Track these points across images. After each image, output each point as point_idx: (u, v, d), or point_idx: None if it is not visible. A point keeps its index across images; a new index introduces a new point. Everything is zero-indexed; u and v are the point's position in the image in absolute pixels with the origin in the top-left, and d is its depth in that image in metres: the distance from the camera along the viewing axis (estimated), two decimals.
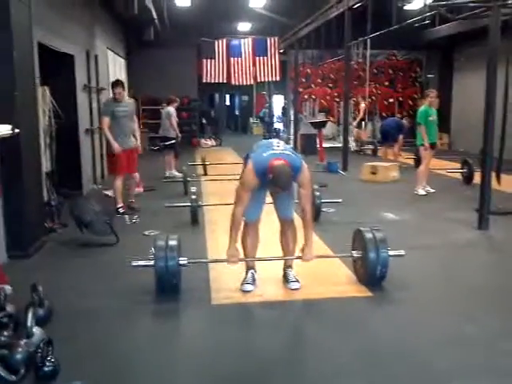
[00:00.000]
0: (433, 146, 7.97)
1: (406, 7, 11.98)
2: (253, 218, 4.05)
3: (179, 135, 10.16)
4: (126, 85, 14.34)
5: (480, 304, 3.88)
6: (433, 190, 8.10)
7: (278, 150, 3.77)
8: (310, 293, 4.03)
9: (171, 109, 10.16)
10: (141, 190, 8.30)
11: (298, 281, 4.14)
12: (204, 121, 19.33)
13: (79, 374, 2.77)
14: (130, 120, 6.80)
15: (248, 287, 4.06)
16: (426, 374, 2.86)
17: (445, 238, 5.66)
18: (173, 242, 3.94)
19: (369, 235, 4.06)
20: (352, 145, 14.25)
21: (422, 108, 7.97)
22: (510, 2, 5.38)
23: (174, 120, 10.07)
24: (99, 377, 2.80)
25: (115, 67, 12.82)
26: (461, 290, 4.15)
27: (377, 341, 3.27)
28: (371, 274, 4.00)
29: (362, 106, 14.29)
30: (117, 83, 6.89)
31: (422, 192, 7.99)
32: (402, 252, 4.13)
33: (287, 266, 4.25)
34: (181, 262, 3.90)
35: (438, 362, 2.96)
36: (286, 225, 4.15)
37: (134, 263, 3.99)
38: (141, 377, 2.89)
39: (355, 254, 4.20)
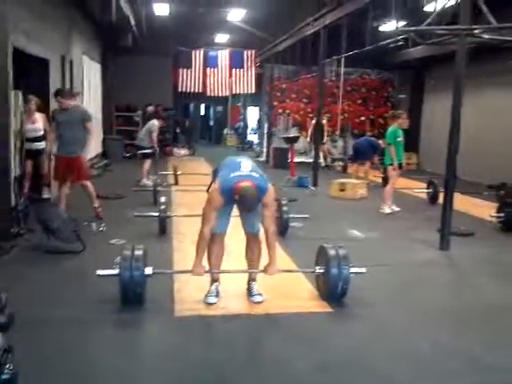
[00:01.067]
0: (400, 166, 8.18)
1: (380, 28, 12.32)
2: (219, 231, 4.11)
3: (157, 149, 10.17)
4: (100, 90, 14.35)
5: (435, 321, 4.01)
6: (398, 209, 8.28)
7: (245, 172, 3.84)
8: (272, 306, 4.10)
9: (156, 123, 10.21)
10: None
11: (261, 294, 4.22)
12: (178, 130, 19.34)
13: (39, 382, 2.78)
14: (73, 128, 6.61)
15: (211, 299, 4.12)
16: None
17: (407, 256, 5.82)
18: (138, 252, 3.98)
19: (332, 252, 4.17)
20: (322, 161, 14.48)
21: (391, 128, 8.16)
22: (475, 31, 5.59)
23: (155, 134, 10.08)
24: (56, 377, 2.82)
25: (90, 72, 12.78)
26: (418, 308, 4.28)
27: (335, 354, 3.37)
28: (332, 290, 4.10)
29: (323, 122, 14.61)
30: (56, 92, 7.01)
31: (387, 210, 8.18)
32: (364, 270, 4.24)
33: (251, 279, 4.32)
34: (146, 273, 3.94)
35: (391, 375, 3.07)
36: (252, 239, 4.24)
37: (100, 272, 4.00)
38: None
39: (318, 269, 4.29)
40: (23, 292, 4.14)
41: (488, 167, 11.65)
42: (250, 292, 4.27)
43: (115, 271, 3.91)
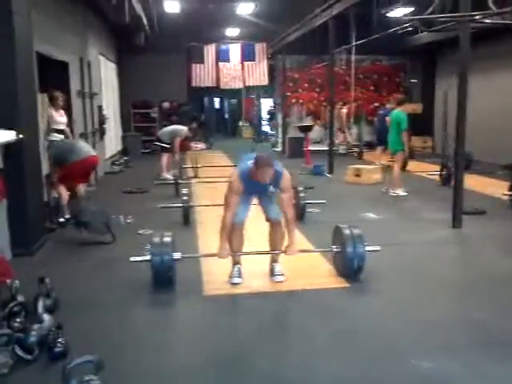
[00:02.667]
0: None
1: (388, 14, 12.45)
2: (239, 220, 4.42)
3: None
4: (117, 89, 14.73)
5: (444, 293, 4.30)
6: (405, 193, 8.50)
7: None
8: (292, 284, 4.42)
9: (185, 132, 10.42)
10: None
11: (282, 274, 4.53)
12: (194, 124, 19.64)
13: (86, 353, 3.11)
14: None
15: (236, 280, 4.44)
16: (392, 350, 3.25)
17: (419, 235, 6.08)
18: (167, 239, 4.30)
19: (347, 231, 4.45)
20: (339, 148, 14.69)
21: (401, 113, 8.36)
22: (477, 17, 5.78)
23: (178, 140, 10.27)
24: (104, 355, 3.15)
25: (107, 72, 13.15)
26: (429, 281, 4.56)
27: (352, 324, 3.66)
28: (349, 267, 4.39)
29: (344, 111, 14.82)
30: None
31: (402, 193, 8.41)
32: (378, 247, 4.52)
33: (273, 261, 4.63)
34: (175, 257, 4.26)
35: (402, 341, 3.37)
36: (274, 224, 4.54)
37: (132, 259, 4.34)
38: (140, 354, 3.25)
39: (334, 248, 4.58)
40: (62, 279, 4.49)
41: (504, 148, 11.74)
42: (272, 272, 4.58)
43: (147, 257, 4.24)
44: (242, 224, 4.48)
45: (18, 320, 3.37)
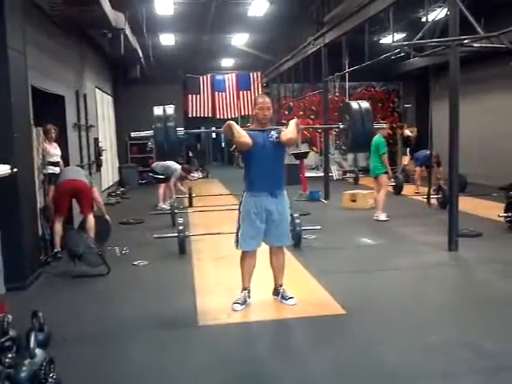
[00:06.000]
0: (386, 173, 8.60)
1: (381, 41, 12.67)
2: (248, 248, 4.40)
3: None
4: (113, 121, 14.85)
5: (443, 317, 4.25)
6: (387, 218, 8.44)
7: None
8: (290, 312, 4.37)
9: (179, 172, 10.43)
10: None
11: (293, 297, 4.49)
12: (191, 154, 19.76)
13: None
14: None
15: (237, 307, 4.38)
16: (392, 377, 3.21)
17: (416, 259, 6.05)
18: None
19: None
20: (334, 174, 14.76)
21: (381, 138, 8.54)
22: (466, 41, 5.88)
23: (173, 181, 10.31)
24: None
25: (103, 105, 13.28)
26: (426, 305, 4.51)
27: (350, 351, 3.62)
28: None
29: (409, 133, 13.96)
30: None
31: (382, 218, 8.41)
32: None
33: (279, 285, 4.58)
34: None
35: (401, 367, 3.32)
36: (277, 252, 4.54)
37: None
38: None
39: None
40: (56, 313, 4.43)
41: (501, 170, 11.77)
42: (282, 296, 4.51)
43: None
44: (253, 253, 4.46)
45: (9, 355, 3.31)
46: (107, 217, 7.16)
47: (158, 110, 4.17)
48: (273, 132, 4.35)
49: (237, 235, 4.39)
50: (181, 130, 4.65)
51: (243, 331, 4.11)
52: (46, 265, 6.06)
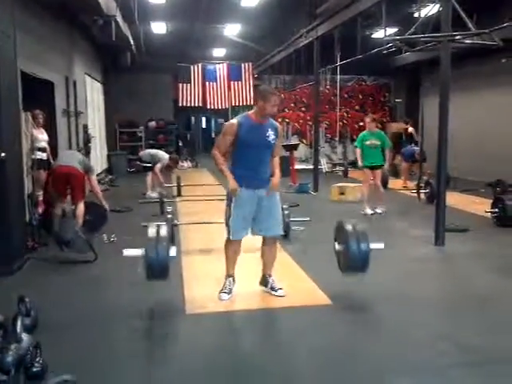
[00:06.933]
0: (375, 167, 8.38)
1: (373, 35, 12.69)
2: (239, 237, 4.39)
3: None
4: (103, 108, 14.76)
5: (427, 310, 4.31)
6: (380, 211, 8.45)
7: None
8: (276, 302, 4.40)
9: (166, 160, 10.33)
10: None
11: (281, 288, 4.50)
12: (180, 143, 19.70)
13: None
14: None
15: (224, 296, 4.40)
16: (377, 370, 3.25)
17: (403, 252, 6.11)
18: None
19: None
20: (324, 166, 14.80)
21: (360, 133, 8.63)
22: (457, 37, 5.91)
23: (159, 167, 10.23)
24: (82, 376, 3.10)
25: (93, 91, 13.18)
26: (411, 298, 4.56)
27: (336, 343, 3.66)
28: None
29: (410, 129, 13.33)
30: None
31: (368, 211, 8.42)
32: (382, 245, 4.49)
33: (269, 275, 4.57)
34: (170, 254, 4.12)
35: (387, 360, 3.36)
36: (270, 243, 4.51)
37: (125, 252, 4.32)
38: (120, 376, 3.21)
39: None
40: (42, 298, 4.41)
41: (488, 166, 11.89)
42: (271, 287, 4.51)
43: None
44: (239, 241, 4.45)
45: None
46: (106, 206, 7.13)
47: (151, 230, 4.16)
48: (270, 132, 4.31)
49: (227, 225, 4.36)
50: None
51: (230, 320, 4.13)
52: (33, 250, 6.03)
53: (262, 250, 4.56)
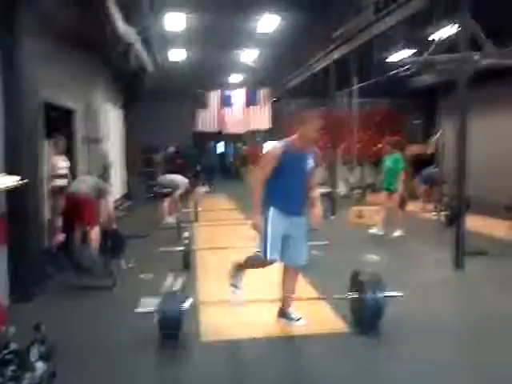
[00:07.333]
0: (389, 190, 8.46)
1: (390, 58, 12.71)
2: (275, 256, 4.15)
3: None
4: (123, 134, 14.96)
5: (447, 336, 4.22)
6: (381, 233, 8.49)
7: None
8: (295, 330, 4.33)
9: (185, 185, 10.47)
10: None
11: (301, 317, 4.38)
12: (198, 168, 19.80)
13: None
14: None
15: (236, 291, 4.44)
16: None
17: (422, 277, 6.00)
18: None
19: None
20: (341, 189, 14.70)
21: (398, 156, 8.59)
22: (475, 57, 5.87)
23: (179, 193, 10.33)
24: None
25: (113, 118, 13.37)
26: (430, 323, 4.48)
27: (352, 366, 3.57)
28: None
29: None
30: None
31: (374, 231, 8.53)
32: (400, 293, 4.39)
33: (288, 305, 4.46)
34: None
35: None
36: (293, 272, 4.41)
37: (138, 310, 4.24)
38: None
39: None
40: (59, 326, 4.40)
41: (509, 189, 11.67)
42: (292, 318, 4.39)
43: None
44: (270, 264, 4.27)
45: (11, 368, 3.30)
46: (115, 227, 7.17)
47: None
48: (310, 160, 4.24)
49: (265, 244, 4.14)
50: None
51: (247, 348, 4.07)
52: (51, 277, 6.06)
53: (282, 278, 4.44)
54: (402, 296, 4.39)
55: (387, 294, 4.22)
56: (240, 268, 4.53)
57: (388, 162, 8.39)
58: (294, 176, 4.16)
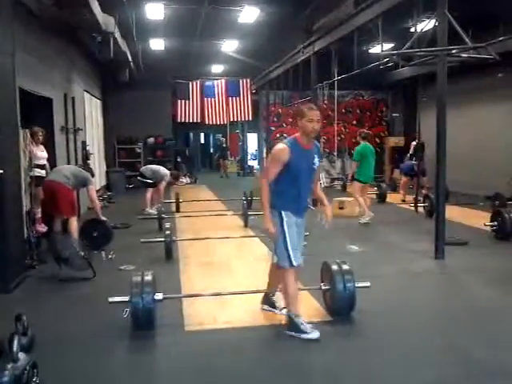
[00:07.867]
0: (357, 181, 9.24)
1: (370, 50, 12.77)
2: (299, 261, 4.08)
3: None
4: (101, 125, 14.81)
5: (428, 323, 4.30)
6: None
7: None
8: (274, 319, 4.36)
9: (168, 178, 10.41)
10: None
11: (285, 307, 4.34)
12: (179, 159, 19.72)
13: None
14: None
15: (315, 335, 3.92)
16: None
17: (404, 266, 6.08)
18: (148, 278, 4.18)
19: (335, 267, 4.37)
20: (322, 181, 14.78)
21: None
22: (454, 51, 5.94)
23: (163, 186, 10.32)
24: None
25: (91, 108, 13.21)
26: (412, 312, 4.54)
27: (338, 359, 3.62)
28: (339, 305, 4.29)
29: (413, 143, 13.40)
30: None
31: (364, 221, 8.94)
32: (368, 283, 4.45)
33: (272, 294, 4.50)
34: (156, 297, 4.09)
35: (388, 372, 3.33)
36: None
37: (111, 299, 4.20)
38: None
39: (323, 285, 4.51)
40: (40, 317, 4.39)
41: (487, 180, 11.86)
42: (277, 306, 4.43)
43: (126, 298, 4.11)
44: (298, 268, 4.16)
45: None
46: (103, 218, 7.12)
47: (136, 278, 4.16)
48: (316, 159, 4.15)
49: (287, 251, 4.03)
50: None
51: (230, 337, 4.08)
52: (31, 268, 6.00)
53: (271, 267, 4.44)
54: (368, 286, 4.43)
55: (357, 284, 4.27)
56: (269, 292, 4.49)
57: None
58: (303, 176, 4.06)
